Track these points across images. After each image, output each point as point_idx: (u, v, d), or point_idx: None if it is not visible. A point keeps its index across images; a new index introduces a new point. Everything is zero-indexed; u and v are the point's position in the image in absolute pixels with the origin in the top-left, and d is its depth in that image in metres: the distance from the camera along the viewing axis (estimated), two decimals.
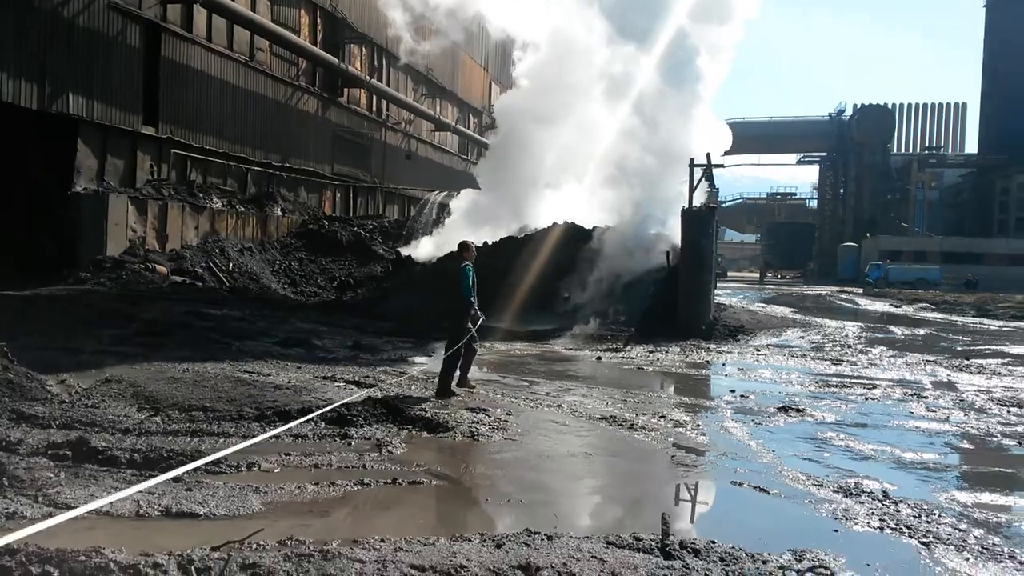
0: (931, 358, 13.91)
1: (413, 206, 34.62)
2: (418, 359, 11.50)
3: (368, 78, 31.34)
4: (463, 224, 25.33)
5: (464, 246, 9.38)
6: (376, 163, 34.23)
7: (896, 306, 32.26)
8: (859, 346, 15.86)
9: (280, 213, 26.58)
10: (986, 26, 69.01)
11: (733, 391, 9.81)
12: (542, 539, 4.35)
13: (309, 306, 19.30)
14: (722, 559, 4.21)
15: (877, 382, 10.88)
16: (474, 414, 7.44)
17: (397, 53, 34.23)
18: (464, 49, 42.63)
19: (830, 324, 21.55)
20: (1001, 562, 4.40)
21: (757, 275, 68.97)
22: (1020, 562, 4.40)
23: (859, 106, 74.19)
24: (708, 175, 19.28)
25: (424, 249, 24.66)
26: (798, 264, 78.31)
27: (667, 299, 17.19)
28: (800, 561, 4.28)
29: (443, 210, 30.09)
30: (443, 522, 4.76)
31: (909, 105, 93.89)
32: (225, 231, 23.55)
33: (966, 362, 13.37)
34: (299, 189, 28.73)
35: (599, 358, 12.75)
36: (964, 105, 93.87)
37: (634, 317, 16.95)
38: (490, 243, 21.36)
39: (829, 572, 3.86)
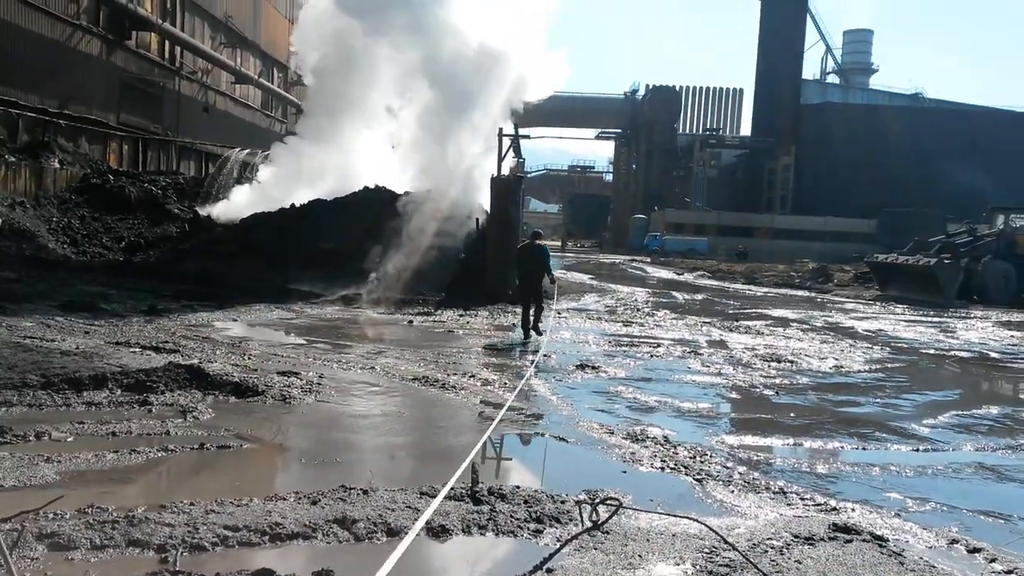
0: (707, 320, 15.44)
1: (212, 163, 32.60)
2: (222, 323, 11.07)
3: (159, 21, 28.93)
4: (273, 183, 24.38)
5: (537, 234, 13.75)
6: (170, 114, 31.83)
7: (679, 274, 35.15)
8: (647, 309, 17.25)
9: (58, 165, 24.06)
10: (760, 18, 75.72)
11: (536, 351, 10.38)
12: (357, 494, 4.51)
13: (95, 267, 17.80)
14: (526, 501, 4.59)
15: (661, 341, 11.97)
16: (285, 377, 7.36)
17: None
18: None
19: (622, 290, 23.14)
20: (759, 492, 5.13)
21: (559, 243, 71.96)
22: (773, 492, 5.16)
23: (651, 87, 78.94)
24: (516, 146, 19.93)
25: (226, 208, 23.46)
26: (595, 234, 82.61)
27: (477, 265, 17.67)
28: (594, 499, 4.75)
29: (246, 168, 28.69)
30: (256, 484, 4.75)
31: (694, 88, 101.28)
32: None
33: (736, 323, 14.99)
34: (80, 139, 26.13)
35: (411, 321, 12.93)
36: (742, 91, 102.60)
37: (445, 282, 17.27)
38: (298, 205, 20.79)
39: (618, 501, 4.32)
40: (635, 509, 4.42)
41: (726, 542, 3.96)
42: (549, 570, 3.69)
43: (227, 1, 36.07)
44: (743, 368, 9.97)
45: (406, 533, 4.06)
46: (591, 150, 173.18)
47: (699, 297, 22.42)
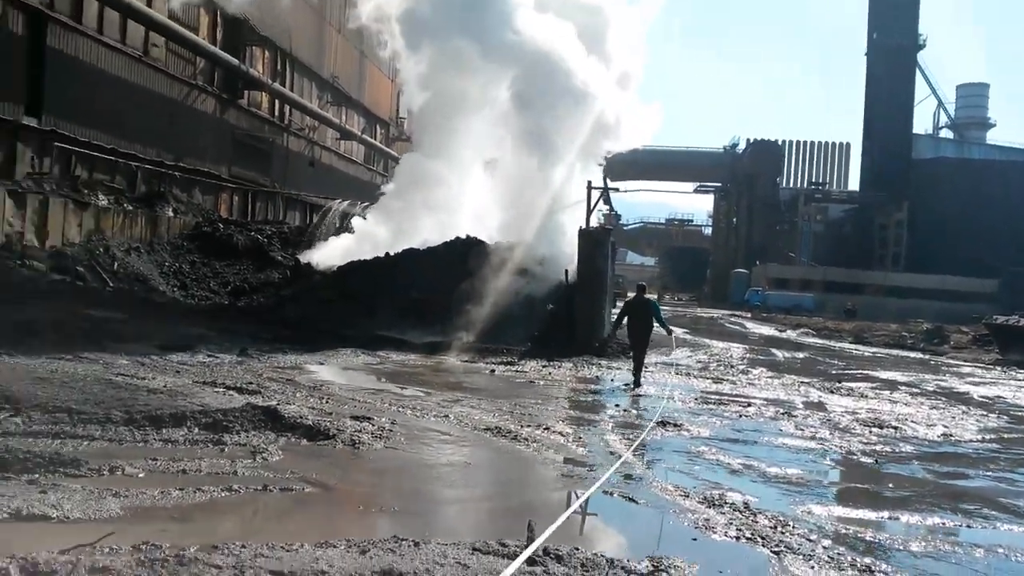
0: (806, 380, 14.68)
1: (315, 214, 33.98)
2: (309, 366, 11.30)
3: (269, 81, 30.66)
4: (371, 233, 25.12)
5: (643, 288, 14.26)
6: (277, 168, 33.46)
7: (780, 331, 33.88)
8: (741, 367, 16.59)
9: (172, 214, 25.56)
10: (867, 72, 73.72)
11: (618, 405, 10.08)
12: (409, 545, 4.36)
13: (199, 310, 18.65)
14: (583, 565, 4.33)
15: (753, 400, 11.42)
16: (358, 422, 7.36)
17: (302, 59, 33.72)
18: (371, 59, 42.34)
19: (717, 344, 22.42)
20: (842, 570, 4.68)
21: (655, 296, 71.08)
22: (859, 569, 4.70)
23: (751, 141, 77.74)
24: (606, 198, 19.85)
25: (325, 256, 24.28)
26: (693, 287, 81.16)
27: (564, 316, 17.53)
28: (658, 568, 4.45)
29: (346, 218, 29.71)
30: (311, 529, 4.68)
31: (798, 142, 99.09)
32: (111, 230, 22.46)
33: (837, 385, 14.19)
34: (193, 190, 27.73)
35: (492, 371, 12.85)
36: (848, 144, 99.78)
37: (532, 333, 17.20)
38: (392, 254, 21.30)
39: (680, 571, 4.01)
40: None
41: None
42: None
43: (334, 62, 37.94)
44: (840, 433, 9.34)
45: None
46: (690, 204, 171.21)
47: (800, 355, 21.47)
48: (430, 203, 23.95)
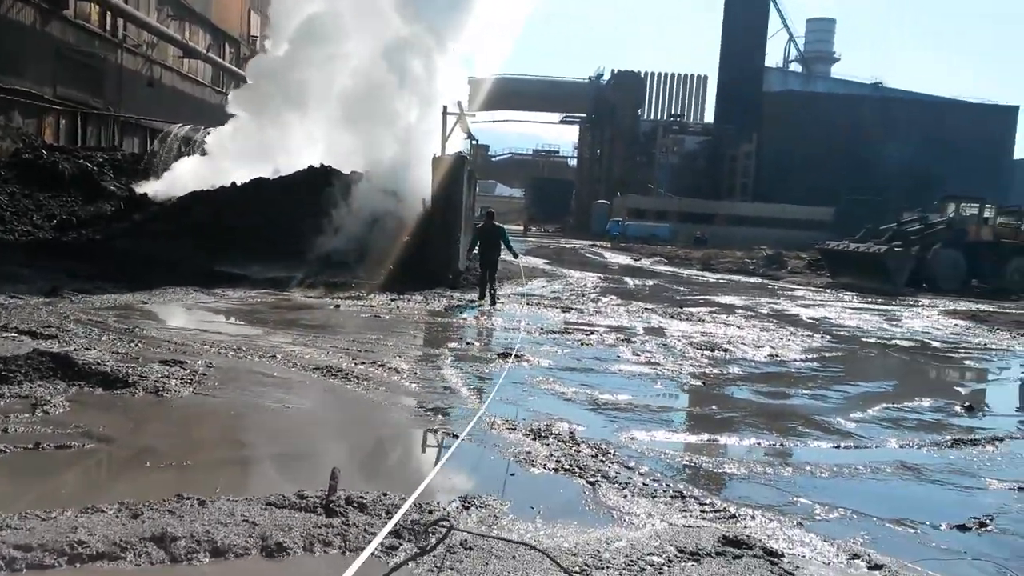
0: (651, 306, 15.06)
1: (157, 140, 31.46)
2: (130, 306, 10.38)
3: None
4: (212, 159, 23.54)
5: (491, 214, 15.23)
6: (111, 89, 30.56)
7: (636, 260, 34.88)
8: (593, 295, 16.84)
9: None
10: (724, 6, 75.59)
11: (462, 338, 9.88)
12: (192, 504, 3.97)
13: (14, 246, 16.86)
14: (387, 511, 4.09)
15: (596, 328, 11.54)
16: (167, 367, 6.76)
17: None
18: None
19: (573, 274, 22.74)
20: (656, 497, 4.69)
21: (521, 228, 71.51)
22: (671, 496, 4.72)
23: (615, 72, 78.51)
24: (464, 126, 19.35)
25: (164, 186, 22.59)
26: (559, 218, 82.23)
27: (420, 248, 17.08)
28: (468, 508, 4.28)
29: (188, 144, 27.70)
30: (83, 492, 4.18)
31: (659, 74, 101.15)
32: None
33: (679, 310, 14.63)
34: (12, 112, 24.90)
35: (337, 306, 12.34)
36: (706, 77, 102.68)
37: (386, 266, 16.68)
38: (239, 184, 20.02)
39: (449, 523, 3.84)
40: (470, 532, 3.88)
41: (566, 572, 3.47)
42: None
43: None
44: (675, 357, 9.57)
45: (233, 553, 3.57)
46: (560, 136, 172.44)
47: (650, 283, 22.10)
48: (279, 130, 22.61)
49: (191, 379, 6.50)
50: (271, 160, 21.80)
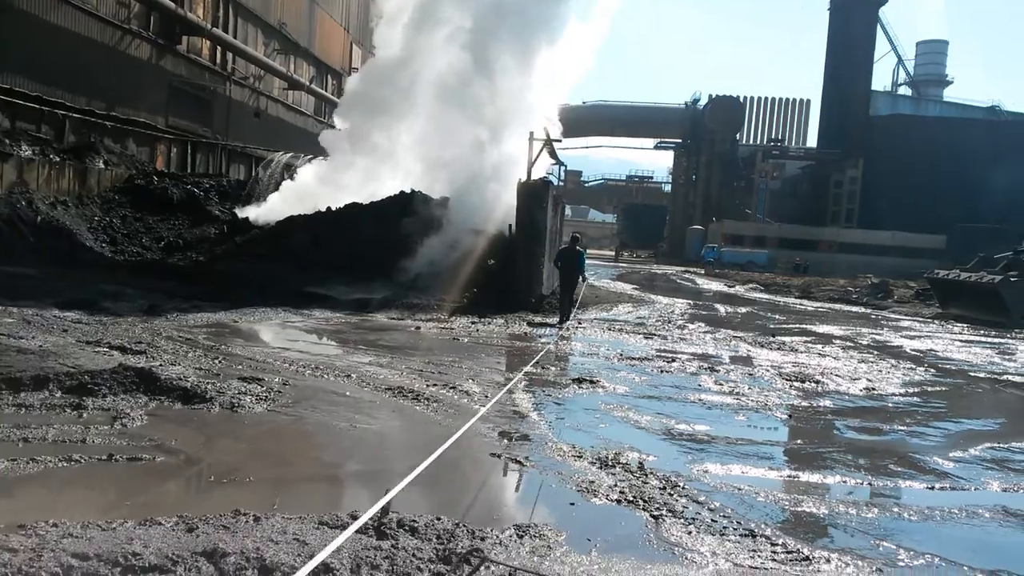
0: (740, 334, 14.54)
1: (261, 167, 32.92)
2: (221, 324, 10.77)
3: (209, 26, 29.32)
4: (312, 187, 24.43)
5: (576, 239, 16.04)
6: (219, 118, 32.24)
7: (730, 286, 33.94)
8: (680, 322, 16.41)
9: (103, 165, 24.48)
10: (828, 29, 73.51)
11: (537, 362, 9.76)
12: (247, 521, 3.99)
13: (123, 267, 17.86)
14: (439, 536, 4.01)
15: (679, 356, 11.19)
16: (245, 384, 6.93)
17: (246, 3, 32.35)
18: (322, 6, 40.88)
19: (662, 300, 22.27)
20: (723, 535, 4.42)
21: (613, 253, 71.03)
22: (740, 534, 4.45)
23: (713, 97, 77.31)
24: (551, 151, 19.38)
25: (265, 211, 23.56)
26: (651, 244, 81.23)
27: (505, 272, 17.14)
28: (522, 537, 4.14)
29: (289, 171, 28.84)
30: (145, 504, 4.27)
31: (758, 98, 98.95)
32: (36, 182, 21.42)
33: (770, 339, 14.05)
34: (127, 141, 26.58)
35: (418, 328, 12.45)
36: (808, 101, 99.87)
37: (470, 289, 16.80)
38: (333, 209, 20.66)
39: (482, 555, 3.69)
40: (504, 564, 3.72)
41: None
42: None
43: (281, 8, 36.49)
44: (761, 388, 9.15)
45: (280, 571, 3.55)
46: (652, 161, 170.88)
47: (743, 310, 21.41)
48: (372, 158, 23.29)
49: (266, 396, 6.63)
50: (366, 185, 22.45)
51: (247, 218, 23.32)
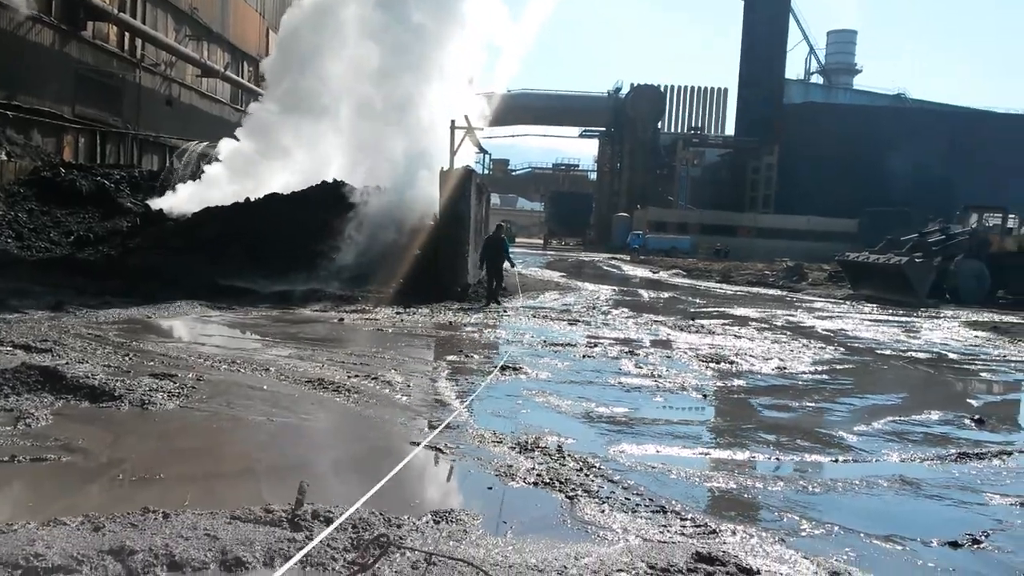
0: (662, 319, 14.88)
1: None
2: (133, 320, 10.42)
3: (115, 11, 28.12)
4: (225, 177, 23.79)
5: (501, 228, 17.57)
6: (130, 107, 31.02)
7: (654, 272, 34.64)
8: (604, 308, 16.68)
9: (6, 157, 23.28)
10: (743, 20, 75.46)
11: (461, 351, 9.79)
12: (156, 518, 3.91)
13: (30, 263, 17.07)
14: (355, 527, 4.00)
15: (601, 340, 11.39)
16: (157, 380, 6.74)
17: None
18: None
19: (588, 287, 22.58)
20: (635, 512, 4.55)
21: (541, 241, 71.52)
22: (652, 511, 4.58)
23: (635, 85, 78.47)
24: (474, 140, 19.36)
25: (180, 202, 22.83)
26: (579, 232, 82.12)
27: (428, 262, 17.07)
28: (439, 523, 4.18)
29: (205, 161, 27.99)
30: (49, 504, 4.13)
31: (678, 87, 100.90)
32: None
33: (690, 323, 14.43)
34: (31, 132, 25.36)
35: (341, 320, 12.31)
36: (726, 90, 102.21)
37: (395, 279, 16.68)
38: (252, 200, 20.16)
39: (387, 539, 3.73)
40: (410, 549, 3.76)
41: None
42: None
43: None
44: (678, 370, 9.40)
45: (190, 567, 3.50)
46: (579, 150, 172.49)
47: (665, 295, 21.90)
48: (286, 149, 22.83)
49: (179, 392, 6.47)
50: (284, 175, 22.01)
51: (161, 210, 22.55)
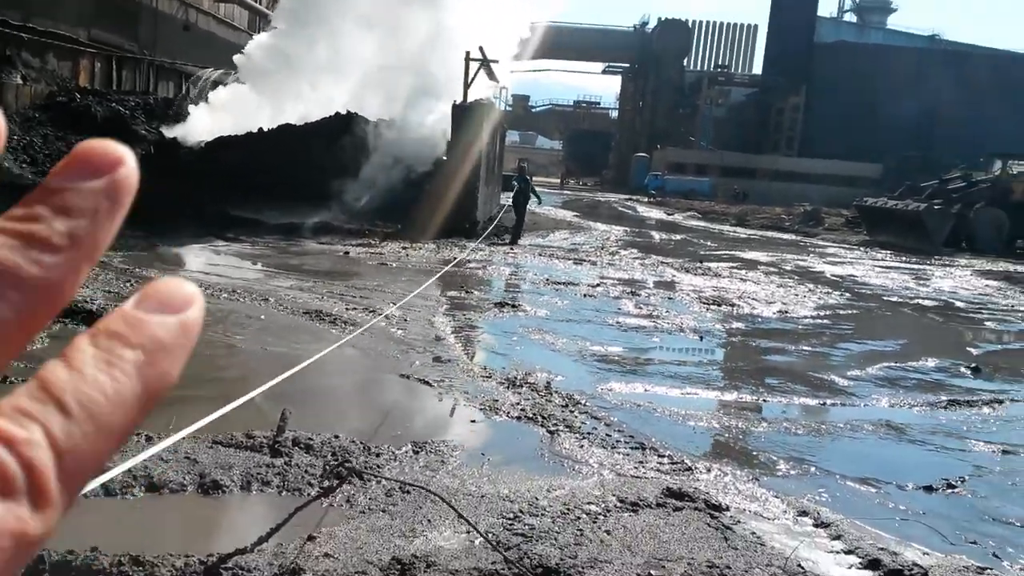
0: (669, 260, 14.81)
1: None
2: (137, 248, 10.51)
3: None
4: (237, 104, 23.64)
5: (523, 166, 18.15)
6: (146, 33, 30.67)
7: (669, 214, 34.34)
8: (613, 248, 16.61)
9: (21, 81, 23.22)
10: None
11: (463, 287, 9.83)
12: (140, 441, 4.01)
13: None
14: (334, 454, 4.09)
15: (605, 280, 11.37)
16: None
17: None
18: None
19: (599, 227, 22.46)
20: (613, 448, 4.61)
21: (558, 181, 70.96)
22: (630, 447, 4.64)
23: (662, 20, 76.42)
24: (489, 72, 19.02)
25: (194, 131, 22.75)
26: (597, 172, 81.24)
27: (438, 197, 16.99)
28: (417, 453, 4.26)
29: (218, 87, 27.78)
30: None
31: (706, 23, 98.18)
32: None
33: (697, 265, 14.35)
34: (47, 55, 25.17)
35: (347, 253, 12.36)
36: (755, 27, 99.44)
37: (406, 213, 16.64)
38: (265, 130, 20.06)
39: (352, 465, 3.81)
40: (376, 476, 3.84)
41: (460, 516, 3.41)
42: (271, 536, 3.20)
43: None
44: (678, 311, 9.39)
45: (168, 489, 3.60)
46: (602, 86, 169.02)
47: (677, 238, 21.74)
48: (299, 75, 22.57)
49: None
50: (299, 105, 21.82)
51: (175, 138, 22.48)
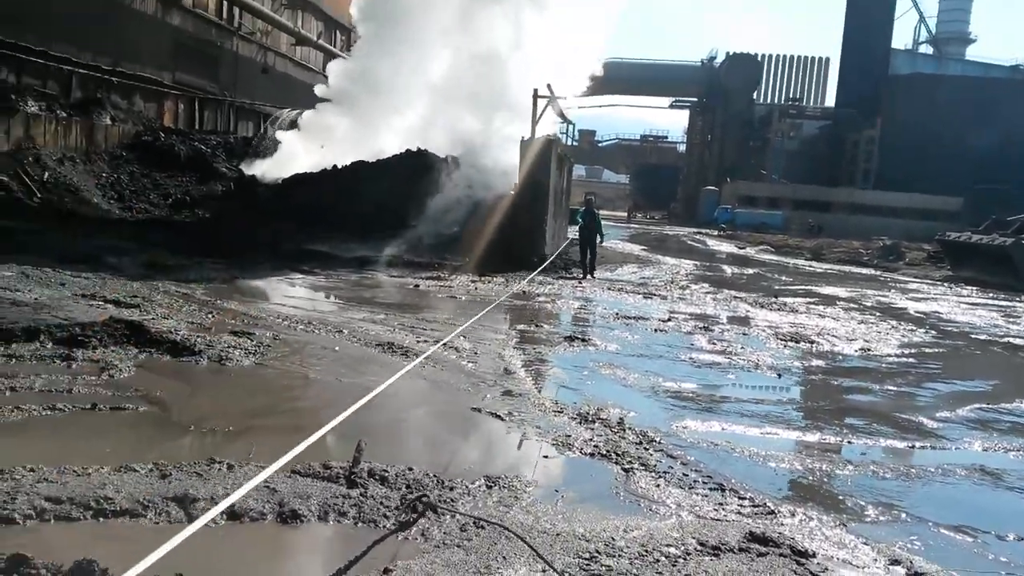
0: (743, 295, 14.50)
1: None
2: (218, 280, 10.85)
3: None
4: (306, 144, 24.43)
5: (590, 201, 17.44)
6: (226, 75, 32.08)
7: (741, 247, 33.76)
8: (683, 283, 16.37)
9: (110, 122, 24.47)
10: None
11: (532, 320, 9.80)
12: (221, 469, 4.08)
13: (128, 223, 17.97)
14: (408, 486, 4.08)
15: (676, 315, 11.18)
16: (236, 338, 7.01)
17: None
18: None
19: (668, 261, 22.20)
20: (692, 488, 4.47)
21: (625, 215, 70.67)
22: (709, 488, 4.50)
23: (730, 54, 75.96)
24: (558, 110, 19.18)
25: (272, 168, 23.58)
26: (665, 205, 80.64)
27: (506, 231, 17.11)
28: (491, 488, 4.21)
29: (294, 127, 28.76)
30: (123, 452, 4.34)
31: (776, 56, 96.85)
32: (43, 138, 21.47)
33: (772, 300, 14.00)
34: (134, 97, 26.53)
35: (417, 286, 12.50)
36: (827, 60, 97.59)
37: (475, 247, 16.80)
38: (339, 167, 20.64)
39: (428, 500, 3.76)
40: (452, 512, 3.80)
41: (537, 554, 3.33)
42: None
43: None
44: (754, 348, 9.15)
45: (248, 517, 3.64)
46: (670, 121, 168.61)
47: (749, 271, 21.32)
48: (374, 114, 23.20)
49: (255, 350, 6.70)
50: (372, 143, 22.38)
51: (253, 175, 23.34)
